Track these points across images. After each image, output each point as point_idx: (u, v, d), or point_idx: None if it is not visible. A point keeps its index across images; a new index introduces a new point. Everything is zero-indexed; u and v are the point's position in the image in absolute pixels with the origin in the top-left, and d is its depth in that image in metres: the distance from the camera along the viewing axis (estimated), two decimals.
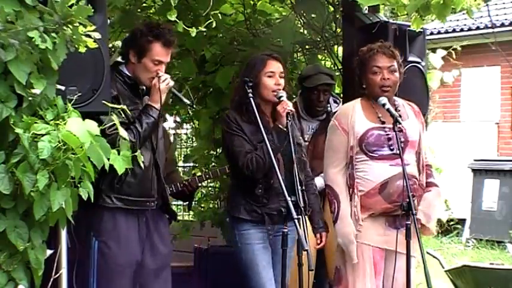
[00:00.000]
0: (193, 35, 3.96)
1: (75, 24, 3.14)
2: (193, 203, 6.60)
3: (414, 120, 4.40)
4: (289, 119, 4.18)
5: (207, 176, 5.18)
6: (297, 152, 4.29)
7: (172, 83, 4.10)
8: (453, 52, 6.93)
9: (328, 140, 4.40)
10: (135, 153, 3.58)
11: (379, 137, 4.26)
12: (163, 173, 4.26)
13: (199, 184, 5.25)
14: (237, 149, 4.27)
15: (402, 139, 4.22)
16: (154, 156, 4.16)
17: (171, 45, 4.11)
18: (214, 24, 4.45)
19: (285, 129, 4.17)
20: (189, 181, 5.01)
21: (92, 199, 3.29)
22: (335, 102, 5.36)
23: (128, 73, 4.15)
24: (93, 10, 3.21)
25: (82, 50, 3.21)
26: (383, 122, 4.29)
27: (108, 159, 3.29)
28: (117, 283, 4.06)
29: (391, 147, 4.23)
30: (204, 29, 4.02)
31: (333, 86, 5.40)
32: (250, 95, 4.23)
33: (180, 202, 7.88)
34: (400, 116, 4.27)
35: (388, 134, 4.25)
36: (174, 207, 4.69)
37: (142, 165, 3.79)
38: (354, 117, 4.30)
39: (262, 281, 4.27)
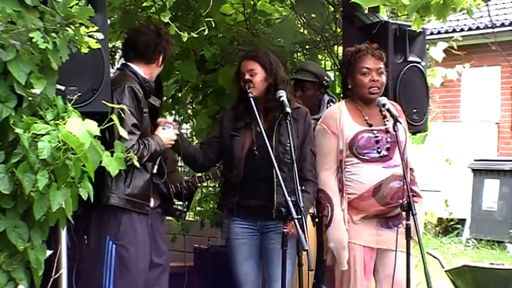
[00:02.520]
0: (185, 39, 3.99)
1: (76, 25, 3.14)
2: (194, 202, 6.59)
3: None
4: (288, 118, 4.18)
5: (207, 177, 5.17)
6: (281, 153, 4.27)
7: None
8: (454, 43, 6.92)
9: (317, 145, 4.38)
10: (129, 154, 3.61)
11: (368, 140, 4.26)
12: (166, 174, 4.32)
13: (199, 185, 5.25)
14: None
15: (389, 139, 4.22)
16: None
17: None
18: (213, 24, 4.46)
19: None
20: (189, 182, 5.00)
21: (92, 199, 3.29)
22: (331, 101, 5.34)
23: (143, 75, 4.17)
24: (93, 10, 3.21)
25: (84, 50, 3.21)
26: (370, 125, 4.29)
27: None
28: (136, 285, 4.09)
29: (379, 150, 4.24)
30: (197, 35, 4.03)
31: (316, 84, 5.35)
32: (250, 94, 4.29)
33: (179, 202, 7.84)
34: (385, 117, 4.28)
35: (376, 137, 4.26)
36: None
37: (138, 165, 3.80)
38: (342, 120, 4.30)
39: (238, 276, 4.39)
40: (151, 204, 4.20)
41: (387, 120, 4.29)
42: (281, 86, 4.38)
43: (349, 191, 4.25)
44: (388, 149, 4.23)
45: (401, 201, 4.12)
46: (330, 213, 4.26)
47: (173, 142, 4.25)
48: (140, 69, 4.17)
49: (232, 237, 4.39)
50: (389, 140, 4.22)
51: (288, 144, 4.18)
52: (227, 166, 4.45)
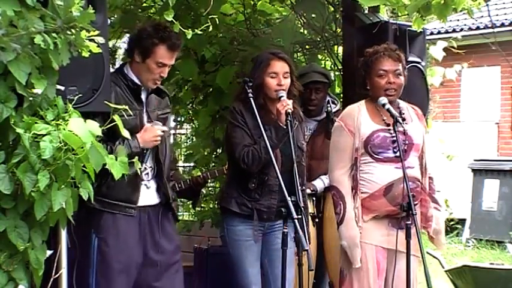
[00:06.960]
0: (189, 37, 3.95)
1: (77, 29, 3.13)
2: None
3: (418, 124, 4.41)
4: (289, 118, 4.18)
5: (220, 172, 5.14)
6: (298, 156, 4.31)
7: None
8: (454, 42, 6.94)
9: (333, 142, 4.38)
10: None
11: (384, 139, 4.25)
12: (166, 173, 4.26)
13: (210, 179, 5.23)
14: (236, 140, 4.32)
15: (407, 141, 4.23)
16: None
17: (176, 49, 4.11)
18: (214, 24, 4.45)
19: (284, 127, 4.18)
20: (199, 177, 4.99)
21: (92, 199, 3.30)
22: (333, 103, 5.33)
23: (132, 77, 4.13)
24: (93, 10, 3.21)
25: (85, 54, 3.21)
26: (388, 124, 4.29)
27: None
28: (115, 281, 4.07)
29: (395, 150, 4.23)
30: (200, 32, 4.01)
31: (326, 85, 5.36)
32: (250, 94, 4.26)
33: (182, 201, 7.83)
34: (404, 120, 4.28)
35: (393, 137, 4.25)
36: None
37: (139, 172, 3.75)
38: (359, 119, 4.29)
39: (247, 277, 4.34)
40: (139, 203, 4.12)
41: (405, 123, 4.28)
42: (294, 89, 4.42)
43: (362, 189, 4.25)
44: (404, 150, 4.22)
45: (415, 202, 4.14)
46: (342, 211, 4.24)
47: (158, 139, 4.08)
48: (130, 68, 4.15)
49: (243, 238, 4.36)
50: (407, 142, 4.23)
51: (303, 145, 4.47)
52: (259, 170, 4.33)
